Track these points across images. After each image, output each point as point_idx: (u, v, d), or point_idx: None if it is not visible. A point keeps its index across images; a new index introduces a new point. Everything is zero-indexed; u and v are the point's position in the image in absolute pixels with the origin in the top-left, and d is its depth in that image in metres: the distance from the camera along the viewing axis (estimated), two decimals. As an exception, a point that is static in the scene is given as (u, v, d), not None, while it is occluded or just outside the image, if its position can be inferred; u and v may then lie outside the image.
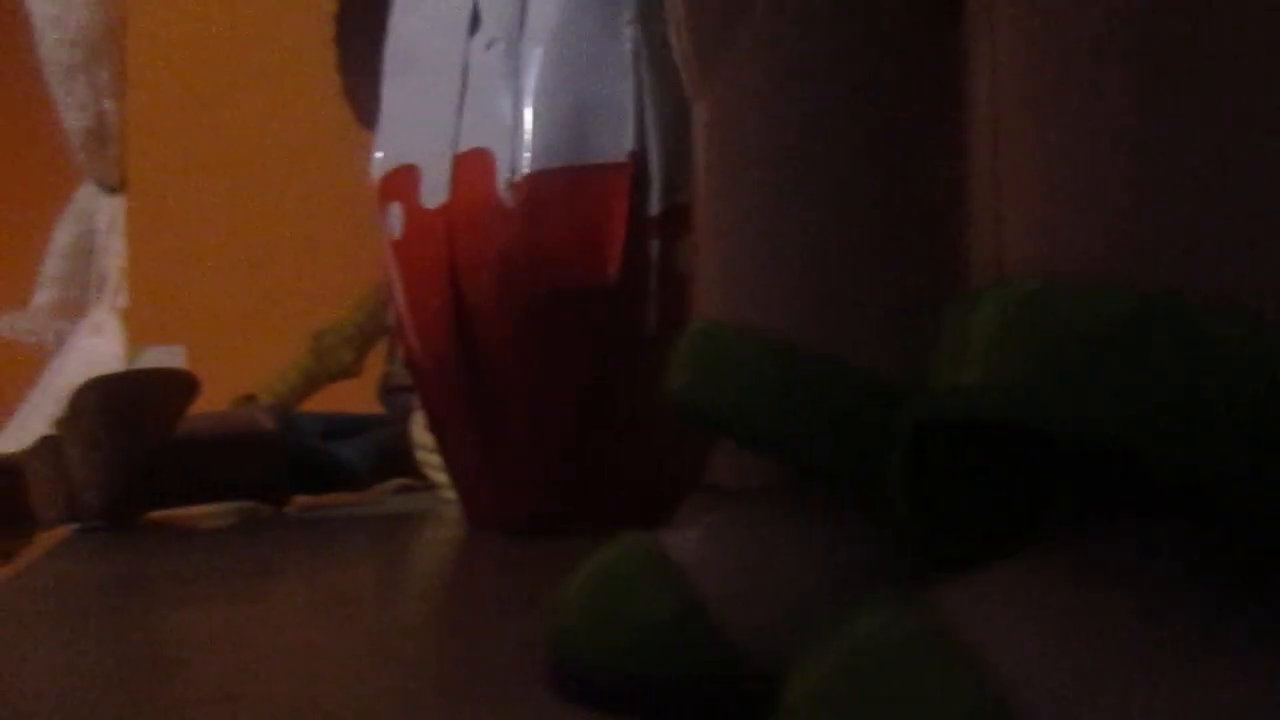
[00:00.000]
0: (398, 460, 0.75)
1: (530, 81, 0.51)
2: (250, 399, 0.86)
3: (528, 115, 0.51)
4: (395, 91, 0.56)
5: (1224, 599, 0.16)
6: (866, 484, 0.26)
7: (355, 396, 0.93)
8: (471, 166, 0.52)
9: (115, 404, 0.59)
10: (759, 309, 0.28)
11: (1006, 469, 0.21)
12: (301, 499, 0.70)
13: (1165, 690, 0.15)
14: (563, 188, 0.51)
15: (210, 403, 0.66)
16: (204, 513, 0.66)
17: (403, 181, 0.54)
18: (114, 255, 1.53)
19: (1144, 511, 0.18)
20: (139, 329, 1.35)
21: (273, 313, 1.21)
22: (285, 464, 0.67)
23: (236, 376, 0.89)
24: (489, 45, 0.52)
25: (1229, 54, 0.16)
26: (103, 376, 0.61)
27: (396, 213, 0.55)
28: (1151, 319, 0.15)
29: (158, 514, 0.64)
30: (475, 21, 0.52)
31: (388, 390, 0.88)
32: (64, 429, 0.59)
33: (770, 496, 0.29)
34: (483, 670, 0.31)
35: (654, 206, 0.51)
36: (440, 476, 0.69)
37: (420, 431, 0.72)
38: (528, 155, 0.51)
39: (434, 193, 0.52)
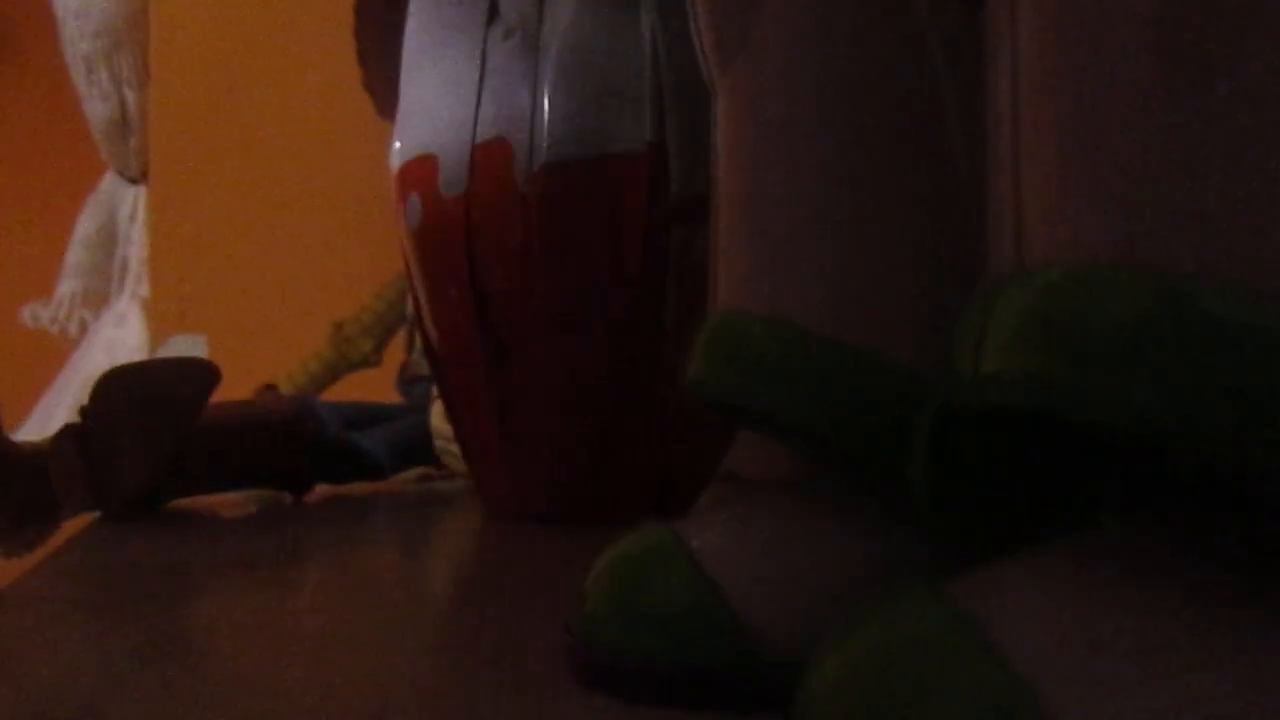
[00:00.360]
0: (418, 449, 0.75)
1: (548, 71, 0.51)
2: (271, 389, 0.86)
3: (546, 105, 0.50)
4: (413, 82, 0.56)
5: (1256, 594, 0.16)
6: (889, 474, 0.26)
7: (375, 386, 0.93)
8: (490, 156, 0.52)
9: (137, 393, 0.59)
10: (782, 298, 0.28)
11: (1025, 463, 0.21)
12: (322, 488, 0.71)
13: (1191, 686, 0.15)
14: (581, 177, 0.51)
15: (231, 392, 0.66)
16: (225, 501, 0.67)
17: (421, 171, 0.54)
18: (135, 245, 1.54)
19: (1166, 505, 0.18)
20: (160, 319, 1.36)
21: (293, 303, 1.22)
22: (306, 453, 0.67)
23: (257, 366, 0.90)
24: (507, 35, 0.52)
25: (1256, 38, 0.15)
26: (125, 365, 0.62)
27: (415, 203, 0.55)
28: (1172, 304, 0.15)
29: (179, 502, 0.65)
30: (493, 12, 0.52)
31: (407, 380, 0.88)
32: (87, 417, 0.59)
33: (792, 487, 0.29)
34: (505, 657, 0.31)
35: (674, 196, 0.51)
36: (460, 465, 0.70)
37: (440, 421, 0.72)
38: (546, 145, 0.51)
39: (453, 183, 0.52)
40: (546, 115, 0.50)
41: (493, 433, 0.55)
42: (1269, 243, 0.15)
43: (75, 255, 1.60)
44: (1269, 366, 0.14)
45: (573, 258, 0.51)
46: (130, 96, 1.50)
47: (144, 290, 1.48)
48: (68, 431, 0.59)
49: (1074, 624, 0.16)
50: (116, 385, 0.59)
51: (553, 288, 0.52)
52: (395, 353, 0.95)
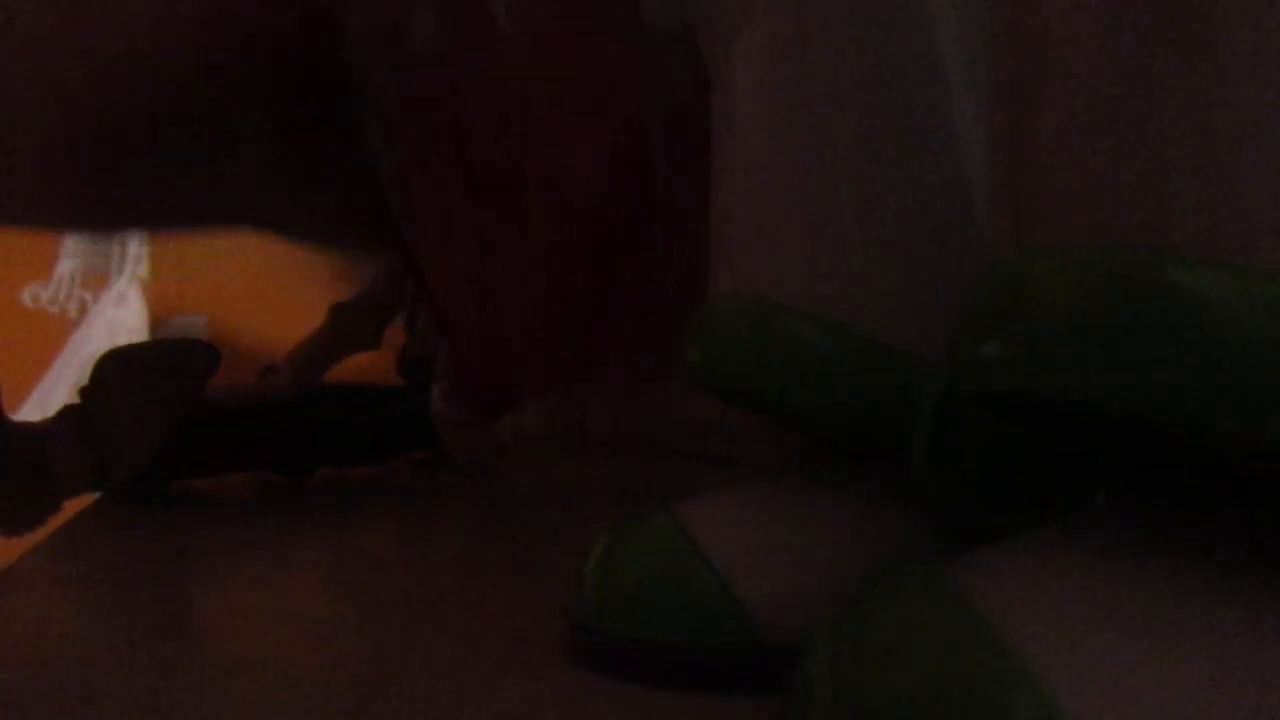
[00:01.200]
0: (418, 432, 0.75)
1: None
2: (271, 371, 0.86)
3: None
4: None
5: (1249, 575, 0.16)
6: (889, 463, 0.26)
7: (376, 369, 0.93)
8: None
9: (138, 373, 0.59)
10: (782, 285, 0.28)
11: (1025, 459, 0.21)
12: (322, 471, 0.71)
13: (1188, 663, 0.15)
14: (563, 8, 0.49)
15: (231, 375, 0.66)
16: (225, 484, 0.67)
17: (386, 40, 0.52)
18: (135, 226, 1.53)
19: (1164, 502, 0.18)
20: (160, 299, 1.36)
21: (292, 285, 1.22)
22: (306, 436, 0.67)
23: (257, 348, 0.90)
24: None
25: (1232, 19, 0.15)
26: (125, 346, 0.62)
27: (385, 79, 0.53)
28: (1135, 280, 0.15)
29: (179, 484, 0.65)
30: None
31: (408, 363, 0.88)
32: (87, 398, 0.59)
33: (791, 472, 0.29)
34: (504, 640, 0.31)
35: (659, 20, 0.50)
36: (460, 448, 0.70)
37: (440, 403, 0.72)
38: None
39: (426, 37, 0.51)
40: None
41: (478, 314, 0.54)
42: (1246, 220, 0.15)
43: (74, 236, 1.59)
44: (1233, 337, 0.15)
45: (560, 90, 0.50)
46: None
47: (143, 271, 1.48)
48: (68, 412, 0.59)
49: (1074, 605, 0.16)
50: (116, 366, 0.59)
51: (543, 134, 0.50)
52: (395, 336, 0.95)
